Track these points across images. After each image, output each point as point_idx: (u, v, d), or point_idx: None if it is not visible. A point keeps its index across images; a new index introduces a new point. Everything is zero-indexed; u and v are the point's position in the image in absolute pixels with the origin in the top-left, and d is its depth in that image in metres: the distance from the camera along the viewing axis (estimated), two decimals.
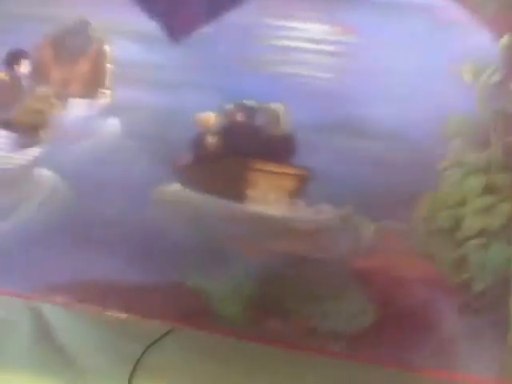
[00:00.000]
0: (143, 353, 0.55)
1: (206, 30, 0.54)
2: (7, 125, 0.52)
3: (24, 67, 0.54)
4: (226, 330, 0.48)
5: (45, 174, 0.51)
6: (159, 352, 0.55)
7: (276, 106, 0.52)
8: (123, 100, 0.53)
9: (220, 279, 0.48)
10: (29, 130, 0.52)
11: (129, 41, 0.55)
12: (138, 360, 0.55)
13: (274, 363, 0.53)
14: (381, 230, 0.47)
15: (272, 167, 0.50)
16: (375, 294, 0.46)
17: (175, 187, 0.50)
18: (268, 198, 0.49)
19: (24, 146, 0.52)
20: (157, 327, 0.55)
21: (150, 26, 0.54)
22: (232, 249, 0.48)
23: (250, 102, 0.52)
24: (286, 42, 0.54)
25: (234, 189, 0.50)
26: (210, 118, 0.52)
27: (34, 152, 0.51)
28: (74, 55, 0.55)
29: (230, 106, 0.52)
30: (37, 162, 0.51)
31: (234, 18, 0.54)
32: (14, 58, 0.54)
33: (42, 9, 0.56)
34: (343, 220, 0.48)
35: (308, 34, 0.53)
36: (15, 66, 0.54)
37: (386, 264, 0.47)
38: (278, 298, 0.47)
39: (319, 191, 0.49)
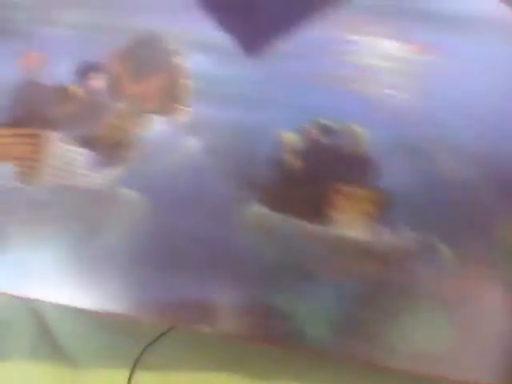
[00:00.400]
0: (142, 352, 0.57)
1: (283, 44, 0.53)
2: (87, 142, 0.52)
3: (97, 81, 0.53)
4: (313, 352, 0.51)
5: (128, 194, 0.51)
6: (158, 351, 0.57)
7: (354, 126, 0.52)
8: (201, 117, 0.52)
9: (308, 302, 0.50)
10: (109, 148, 0.52)
11: (203, 54, 0.54)
12: (137, 359, 0.57)
13: (275, 363, 0.56)
14: (462, 255, 0.49)
15: (353, 189, 0.51)
16: (458, 318, 0.49)
17: (258, 208, 0.51)
18: (349, 220, 0.51)
19: (105, 164, 0.52)
20: (156, 326, 0.57)
21: (225, 38, 0.53)
22: (317, 271, 0.50)
23: (328, 122, 0.52)
24: (364, 59, 0.53)
25: (316, 211, 0.51)
26: (290, 137, 0.52)
27: (115, 171, 0.52)
28: (147, 69, 0.54)
29: (308, 126, 0.52)
30: (119, 182, 0.52)
31: (311, 32, 0.53)
32: (86, 71, 0.53)
33: (112, 19, 0.55)
34: (424, 244, 0.50)
35: (386, 51, 0.53)
36: (89, 80, 0.53)
37: (468, 289, 0.49)
38: (363, 322, 0.50)
39: (399, 214, 0.50)
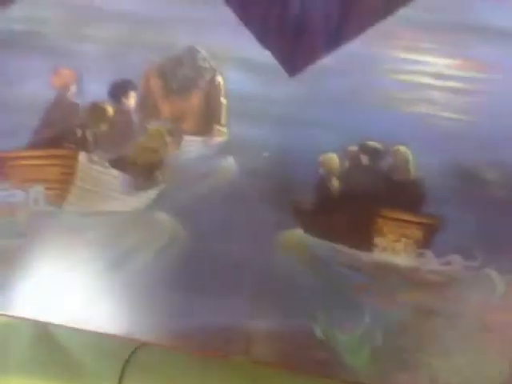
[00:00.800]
0: (132, 352, 0.56)
1: (325, 61, 0.51)
2: (120, 164, 0.50)
3: (131, 100, 0.51)
4: (352, 381, 0.49)
5: (163, 217, 0.50)
6: (148, 351, 0.56)
7: (403, 149, 0.49)
8: (239, 137, 0.50)
9: (347, 329, 0.48)
10: (144, 171, 0.50)
11: (242, 71, 0.51)
12: (128, 360, 0.55)
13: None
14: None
15: (399, 215, 0.49)
16: (509, 350, 0.47)
17: (298, 233, 0.49)
18: (395, 247, 0.49)
19: (140, 187, 0.50)
20: None
21: (264, 55, 0.51)
22: (359, 298, 0.48)
23: (374, 144, 0.50)
24: (412, 77, 0.50)
25: (360, 237, 0.48)
26: (333, 159, 0.49)
27: (150, 194, 0.50)
28: (183, 87, 0.52)
29: (353, 148, 0.50)
30: (154, 205, 0.50)
31: (353, 48, 0.50)
32: (121, 89, 0.51)
33: (147, 34, 0.53)
34: (474, 272, 0.47)
35: (435, 69, 0.50)
36: (123, 99, 0.51)
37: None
38: (408, 351, 0.48)
39: (449, 241, 0.48)
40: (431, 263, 0.49)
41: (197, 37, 0.52)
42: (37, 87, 0.53)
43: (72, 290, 0.49)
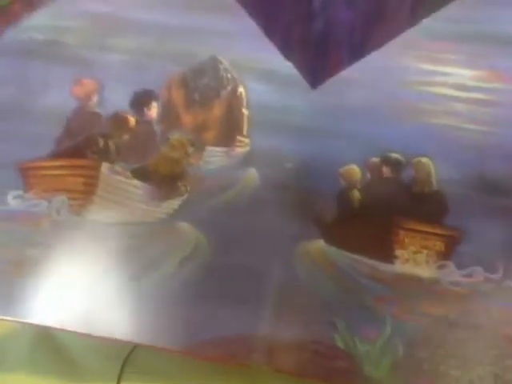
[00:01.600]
0: (131, 351, 0.55)
1: (348, 73, 0.51)
2: (143, 175, 0.51)
3: (154, 110, 0.51)
4: None
5: (185, 228, 0.50)
6: (147, 350, 0.55)
7: (425, 160, 0.49)
8: (262, 148, 0.50)
9: (368, 340, 0.48)
10: (166, 181, 0.51)
11: (263, 82, 0.51)
12: (126, 359, 0.55)
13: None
14: None
15: (421, 226, 0.49)
16: None
17: (319, 244, 0.49)
18: (416, 258, 0.48)
19: (162, 198, 0.50)
20: None
21: (286, 67, 0.51)
22: (380, 308, 0.48)
23: (396, 155, 0.50)
24: (435, 89, 0.50)
25: (381, 248, 0.48)
26: (355, 171, 0.49)
27: (173, 205, 0.50)
28: (205, 97, 0.52)
29: (375, 159, 0.50)
30: (177, 216, 0.50)
31: (376, 60, 0.50)
32: (143, 99, 0.51)
33: (169, 44, 0.53)
34: (495, 284, 0.47)
35: (458, 80, 0.50)
36: (145, 109, 0.51)
37: None
38: (428, 362, 0.48)
39: (471, 253, 0.48)
40: (453, 275, 0.49)
41: (219, 47, 0.52)
42: (59, 97, 0.53)
43: (94, 299, 0.50)
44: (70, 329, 0.49)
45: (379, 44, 0.50)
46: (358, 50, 0.49)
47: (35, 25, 0.55)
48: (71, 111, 0.53)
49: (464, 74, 0.50)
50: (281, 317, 0.48)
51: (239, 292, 0.49)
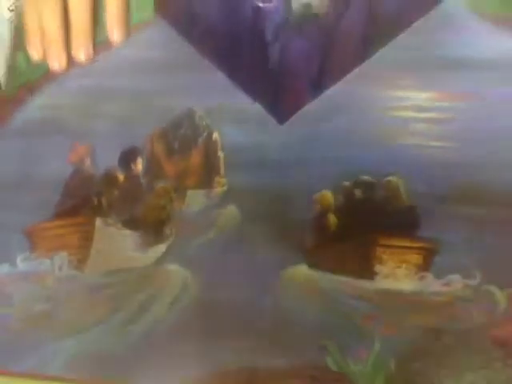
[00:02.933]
0: None
1: (313, 105, 0.54)
2: (132, 224, 0.54)
3: (139, 165, 0.56)
4: None
5: (173, 269, 0.52)
6: None
7: (394, 179, 0.51)
8: (238, 185, 0.54)
9: (360, 359, 0.49)
10: (153, 228, 0.54)
11: (236, 125, 0.55)
12: None
13: None
14: None
15: (397, 242, 0.50)
16: None
17: (302, 268, 0.51)
18: (397, 273, 0.50)
19: (151, 243, 0.54)
20: None
21: (255, 107, 0.55)
22: (368, 328, 0.49)
23: (366, 178, 0.52)
24: (397, 112, 0.53)
25: (361, 266, 0.50)
26: (328, 196, 0.52)
27: (160, 249, 0.53)
28: (184, 146, 0.56)
29: (346, 183, 0.52)
30: (165, 259, 0.53)
31: (340, 90, 0.54)
32: (129, 156, 0.56)
33: (150, 105, 0.58)
34: (474, 289, 0.48)
35: (415, 102, 0.53)
36: (131, 165, 0.56)
37: None
38: (420, 374, 0.48)
39: (447, 262, 0.49)
40: (432, 285, 0.50)
41: (195, 100, 0.56)
42: (58, 165, 0.58)
43: (94, 346, 0.53)
44: (67, 377, 0.51)
45: (339, 75, 0.53)
46: (318, 83, 0.53)
47: (34, 106, 0.61)
48: (68, 176, 0.58)
49: (419, 97, 0.53)
50: (275, 347, 0.50)
51: (230, 326, 0.51)
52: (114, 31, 0.58)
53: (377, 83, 0.54)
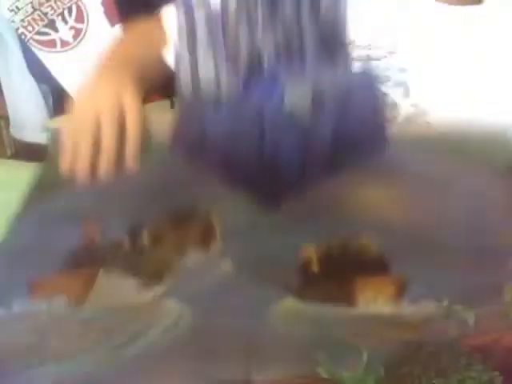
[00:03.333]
0: None
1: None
2: (134, 274, 0.59)
3: (144, 236, 0.64)
4: None
5: (170, 303, 0.56)
6: None
7: (365, 236, 0.62)
8: (232, 247, 0.62)
9: (350, 366, 0.50)
10: (154, 275, 0.59)
11: (229, 212, 0.67)
12: None
13: None
14: (479, 314, 0.53)
15: (372, 279, 0.57)
16: (496, 363, 0.50)
17: (289, 300, 0.56)
18: (375, 300, 0.55)
19: (150, 286, 0.58)
20: None
21: (247, 197, 0.67)
22: (354, 342, 0.52)
23: (341, 239, 0.62)
24: None
25: (344, 297, 0.56)
26: (311, 249, 0.61)
27: (158, 289, 0.58)
28: (186, 226, 0.65)
29: (324, 242, 0.61)
30: (162, 296, 0.57)
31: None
32: (136, 231, 0.64)
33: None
34: (445, 310, 0.54)
35: None
36: (138, 237, 0.64)
37: (495, 339, 0.52)
38: (410, 376, 0.49)
39: (418, 290, 0.56)
40: (408, 309, 0.55)
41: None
42: (70, 239, 0.65)
43: (80, 368, 0.51)
44: None
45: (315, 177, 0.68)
46: (299, 179, 0.66)
47: None
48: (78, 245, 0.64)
49: None
50: (268, 361, 0.51)
51: (224, 347, 0.52)
52: (131, 159, 0.73)
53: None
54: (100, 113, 0.74)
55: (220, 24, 0.66)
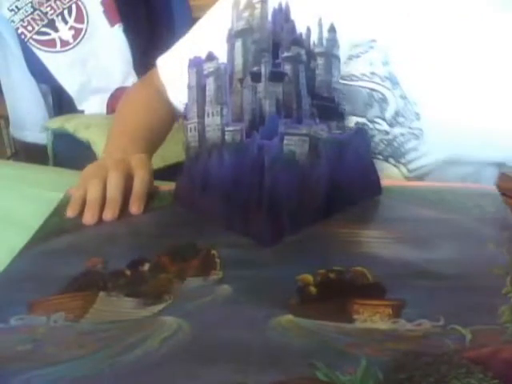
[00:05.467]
0: None
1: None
2: (134, 296, 0.59)
3: (145, 267, 0.64)
4: None
5: (168, 318, 0.55)
6: None
7: (360, 268, 0.62)
8: (232, 275, 0.62)
9: (349, 373, 0.48)
10: (154, 296, 0.59)
11: (229, 248, 0.67)
12: None
13: None
14: (476, 331, 0.53)
15: (369, 302, 0.57)
16: (495, 374, 0.48)
17: (288, 317, 0.55)
18: (372, 319, 0.55)
19: (149, 305, 0.57)
20: None
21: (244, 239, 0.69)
22: (353, 352, 0.50)
23: (338, 267, 0.62)
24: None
25: (341, 316, 0.55)
26: (308, 276, 0.61)
27: (157, 307, 0.57)
28: (186, 259, 0.66)
29: (322, 270, 0.62)
30: (161, 313, 0.56)
31: None
32: (137, 263, 0.65)
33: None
34: (442, 328, 0.53)
35: None
36: (139, 267, 0.64)
37: (494, 351, 0.50)
38: (409, 381, 0.47)
39: (415, 313, 0.55)
40: (406, 326, 0.54)
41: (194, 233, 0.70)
42: (75, 270, 0.65)
43: (76, 372, 0.49)
44: None
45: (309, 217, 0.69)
46: (295, 219, 0.68)
47: None
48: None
49: None
50: (265, 367, 0.50)
51: (221, 353, 0.51)
52: (134, 205, 0.75)
53: None
54: (107, 167, 0.78)
55: (227, 80, 0.72)
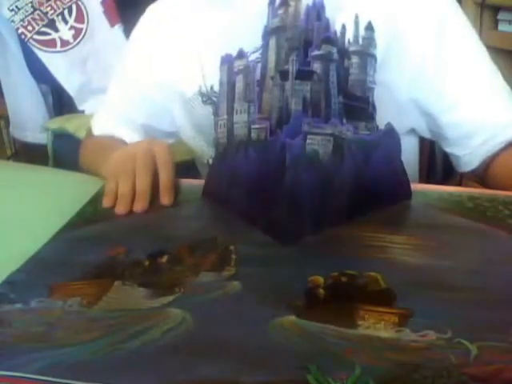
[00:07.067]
0: None
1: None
2: (147, 286, 0.60)
3: (164, 258, 0.65)
4: None
5: (175, 311, 0.56)
6: None
7: (373, 274, 0.60)
8: (244, 272, 0.62)
9: (340, 378, 0.47)
10: (165, 287, 0.60)
11: (247, 245, 0.68)
12: None
13: None
14: (483, 348, 0.50)
15: (376, 308, 0.55)
16: None
17: (291, 318, 0.54)
18: (376, 326, 0.53)
19: (160, 296, 0.59)
20: None
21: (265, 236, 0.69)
22: (349, 358, 0.49)
23: (352, 271, 0.61)
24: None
25: (345, 321, 0.54)
26: (319, 278, 0.60)
27: (167, 299, 0.58)
28: (204, 253, 0.67)
29: (335, 273, 0.61)
30: (169, 305, 0.57)
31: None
32: (157, 254, 0.66)
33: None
34: (447, 341, 0.51)
35: None
36: (158, 258, 0.66)
37: (496, 370, 0.48)
38: None
39: (421, 322, 0.53)
40: (410, 336, 0.52)
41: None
42: (96, 257, 0.68)
43: (83, 356, 0.51)
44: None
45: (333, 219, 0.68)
46: (316, 219, 0.67)
47: None
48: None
49: None
50: (259, 366, 0.50)
51: (218, 349, 0.52)
52: (165, 196, 0.77)
53: None
54: (135, 158, 0.80)
55: (256, 79, 0.72)
